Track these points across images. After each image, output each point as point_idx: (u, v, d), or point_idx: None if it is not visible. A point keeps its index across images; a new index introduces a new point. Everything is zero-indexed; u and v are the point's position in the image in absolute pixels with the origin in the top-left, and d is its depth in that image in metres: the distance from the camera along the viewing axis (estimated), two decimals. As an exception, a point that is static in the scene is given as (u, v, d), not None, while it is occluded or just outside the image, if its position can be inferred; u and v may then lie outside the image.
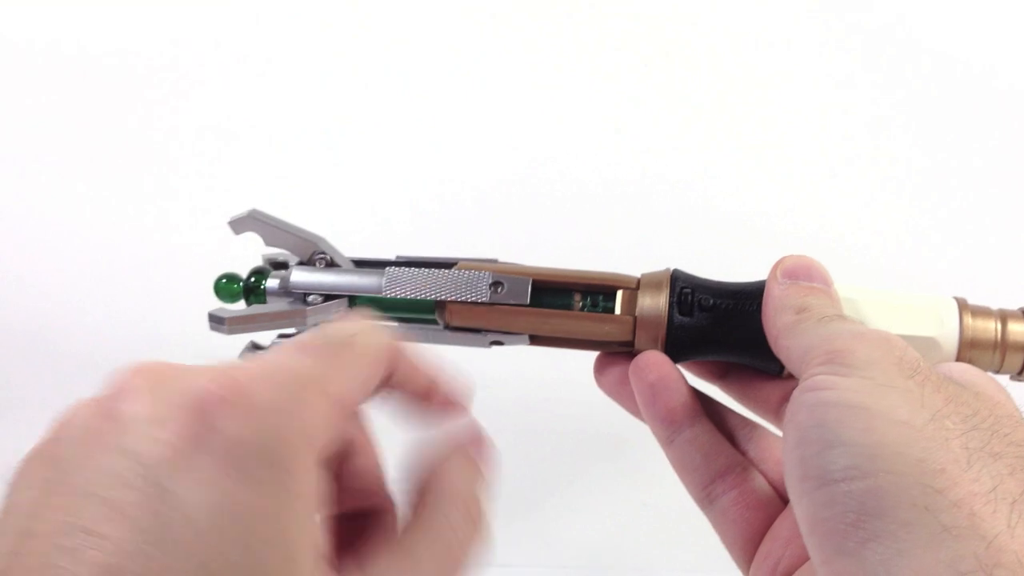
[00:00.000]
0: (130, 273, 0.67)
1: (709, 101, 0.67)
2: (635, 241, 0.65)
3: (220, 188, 0.68)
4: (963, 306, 0.33)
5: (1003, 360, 0.32)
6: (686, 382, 0.34)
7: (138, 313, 0.66)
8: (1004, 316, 0.32)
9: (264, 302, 0.36)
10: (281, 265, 0.37)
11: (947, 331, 0.32)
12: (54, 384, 0.69)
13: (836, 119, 0.66)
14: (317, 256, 0.36)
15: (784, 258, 0.33)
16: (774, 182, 0.66)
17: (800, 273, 0.32)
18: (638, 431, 0.36)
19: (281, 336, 0.37)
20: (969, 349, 0.32)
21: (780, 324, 0.31)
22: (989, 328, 0.32)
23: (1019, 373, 0.32)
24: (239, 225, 0.35)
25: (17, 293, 0.70)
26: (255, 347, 0.37)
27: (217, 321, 0.34)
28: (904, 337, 0.29)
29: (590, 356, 0.36)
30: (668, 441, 0.35)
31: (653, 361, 0.34)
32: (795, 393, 0.27)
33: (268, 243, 0.36)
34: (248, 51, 0.69)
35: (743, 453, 0.35)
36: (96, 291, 0.68)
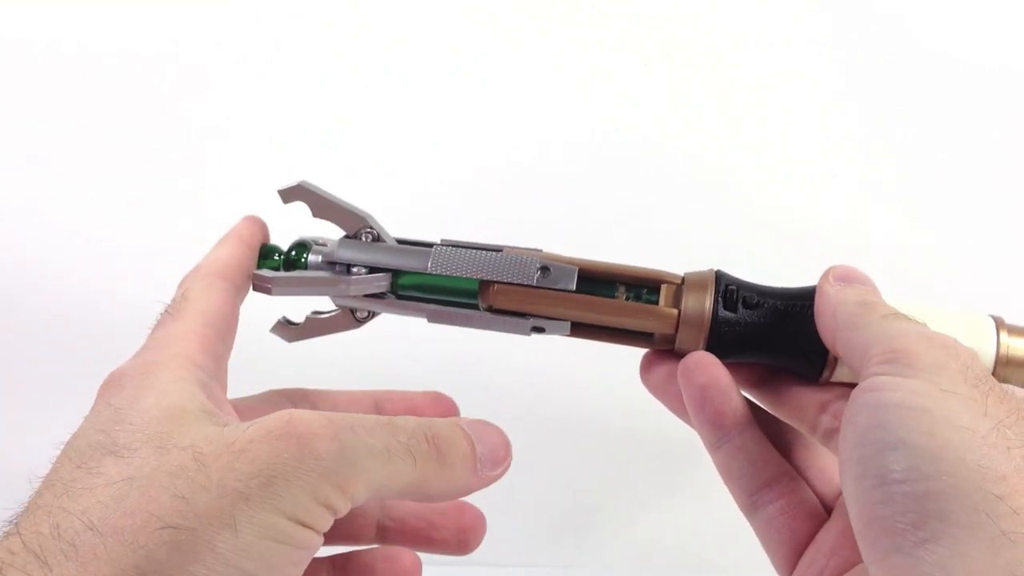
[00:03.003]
0: (130, 272, 0.67)
1: (709, 101, 0.67)
2: (635, 241, 0.65)
3: (220, 188, 0.68)
4: (1000, 324, 0.33)
5: None
6: (737, 387, 0.34)
7: (138, 313, 0.66)
8: None
9: None
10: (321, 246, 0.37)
11: (984, 348, 0.32)
12: (53, 377, 0.70)
13: (836, 119, 0.66)
14: (364, 231, 0.36)
15: (835, 266, 0.33)
16: (774, 182, 0.66)
17: (853, 278, 0.32)
18: (684, 431, 0.36)
19: (315, 313, 0.37)
20: (1004, 367, 0.32)
21: (842, 317, 0.31)
22: None
23: None
24: (288, 195, 0.36)
25: (17, 292, 0.70)
26: (288, 323, 0.37)
27: (262, 280, 0.34)
28: None
29: (637, 355, 0.36)
30: (716, 447, 0.34)
31: (704, 362, 0.33)
32: (855, 392, 0.27)
33: (316, 214, 0.36)
34: (248, 51, 0.69)
35: (790, 462, 0.35)
36: (96, 291, 0.68)
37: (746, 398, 0.35)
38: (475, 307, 0.35)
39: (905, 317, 0.30)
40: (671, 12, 0.67)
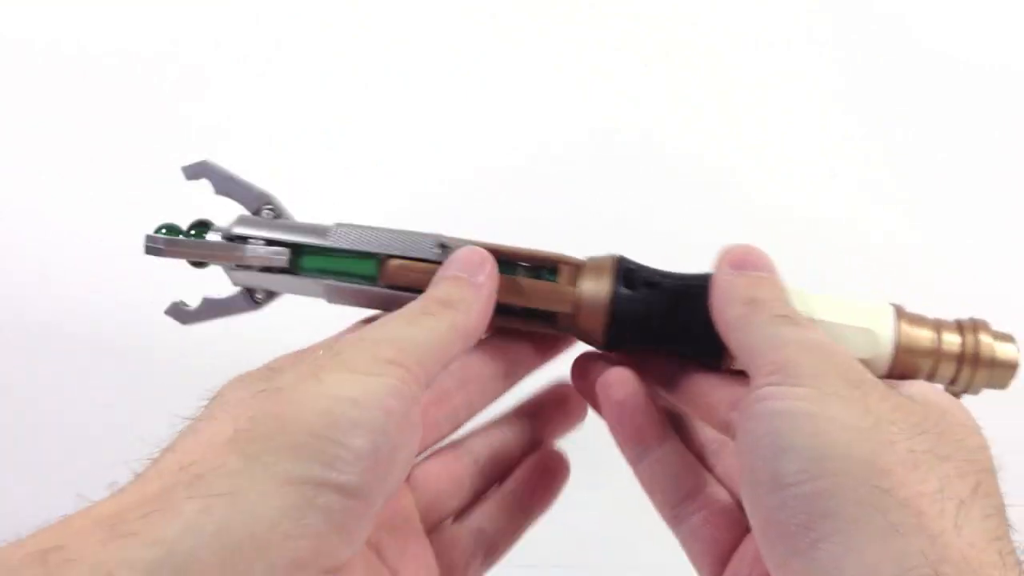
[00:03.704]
0: (130, 272, 0.67)
1: (709, 101, 0.67)
2: (635, 241, 0.65)
3: (220, 188, 0.68)
4: (900, 312, 0.33)
5: (936, 368, 0.32)
6: (654, 402, 0.34)
7: (138, 312, 0.66)
8: (939, 325, 0.33)
9: None
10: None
11: (883, 338, 0.32)
12: (53, 377, 0.70)
13: (836, 119, 0.66)
14: (265, 208, 0.36)
15: (729, 247, 0.32)
16: (774, 182, 0.66)
17: (747, 262, 0.32)
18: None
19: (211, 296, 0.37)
20: (904, 354, 0.32)
21: (730, 317, 0.30)
22: (924, 336, 0.32)
23: (951, 383, 0.32)
24: (191, 171, 0.37)
25: (17, 291, 0.70)
26: (183, 305, 0.37)
27: (154, 243, 0.35)
28: (843, 339, 0.30)
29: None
30: (636, 461, 0.34)
31: (620, 378, 0.33)
32: (745, 404, 0.28)
33: (218, 192, 0.36)
34: (248, 51, 0.69)
35: (710, 469, 0.35)
36: (95, 290, 0.68)
37: (665, 409, 0.35)
38: (373, 284, 0.35)
39: (790, 320, 0.29)
40: (671, 12, 0.67)
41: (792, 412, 0.26)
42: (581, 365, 0.36)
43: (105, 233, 0.69)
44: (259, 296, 0.37)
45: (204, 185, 0.37)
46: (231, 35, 0.69)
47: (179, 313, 0.37)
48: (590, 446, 0.71)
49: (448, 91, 0.68)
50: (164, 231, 0.37)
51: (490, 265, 0.32)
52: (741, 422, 0.27)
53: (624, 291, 0.33)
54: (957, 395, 0.33)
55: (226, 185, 0.36)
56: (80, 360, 0.69)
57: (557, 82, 0.67)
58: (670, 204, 0.66)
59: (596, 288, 0.33)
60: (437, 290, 0.31)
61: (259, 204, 0.36)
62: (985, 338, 0.32)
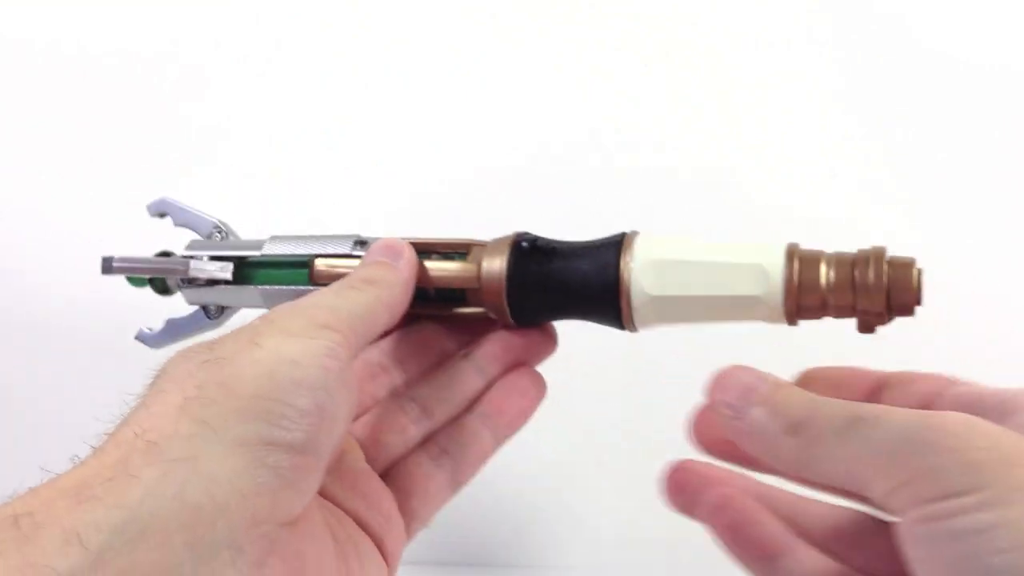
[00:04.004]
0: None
1: (709, 101, 0.67)
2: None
3: (220, 188, 0.68)
4: (792, 248, 0.32)
5: (832, 297, 0.31)
6: (766, 510, 0.32)
7: (138, 313, 0.66)
8: (835, 256, 0.32)
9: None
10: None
11: (773, 272, 0.32)
12: (53, 377, 0.70)
13: (836, 119, 0.66)
14: (215, 232, 0.41)
15: (714, 380, 0.30)
16: (774, 182, 0.66)
17: (727, 384, 0.29)
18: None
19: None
20: (798, 287, 0.31)
21: (786, 457, 0.27)
22: (816, 267, 0.31)
23: (856, 311, 0.31)
24: (153, 208, 0.42)
25: (17, 291, 0.70)
26: (149, 331, 0.41)
27: (106, 261, 0.40)
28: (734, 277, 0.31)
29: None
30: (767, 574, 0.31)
31: (726, 496, 0.32)
32: (904, 534, 0.25)
33: (177, 224, 0.41)
34: (248, 51, 0.69)
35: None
36: (95, 290, 0.68)
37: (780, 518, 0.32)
38: (305, 284, 0.38)
39: (858, 418, 0.26)
40: (671, 12, 0.67)
41: (976, 530, 0.23)
42: (677, 479, 0.34)
43: (105, 233, 0.69)
44: (213, 312, 0.40)
45: (167, 220, 0.42)
46: (231, 35, 0.69)
47: (147, 338, 0.41)
48: (591, 447, 0.71)
49: (448, 91, 0.68)
50: None
51: (408, 251, 0.34)
52: (910, 554, 0.24)
53: (520, 261, 0.35)
54: (871, 326, 0.31)
55: (183, 217, 0.41)
56: (80, 360, 0.69)
57: (557, 82, 0.67)
58: (670, 204, 0.66)
59: (496, 262, 0.35)
60: (361, 271, 0.33)
61: (211, 230, 0.41)
62: (881, 260, 0.31)
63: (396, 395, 0.36)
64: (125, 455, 0.24)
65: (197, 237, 0.41)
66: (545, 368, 0.38)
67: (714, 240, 0.33)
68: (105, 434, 0.26)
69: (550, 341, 0.37)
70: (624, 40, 0.67)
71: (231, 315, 0.41)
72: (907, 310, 0.31)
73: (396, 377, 0.36)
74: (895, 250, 0.32)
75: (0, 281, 0.70)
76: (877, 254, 0.31)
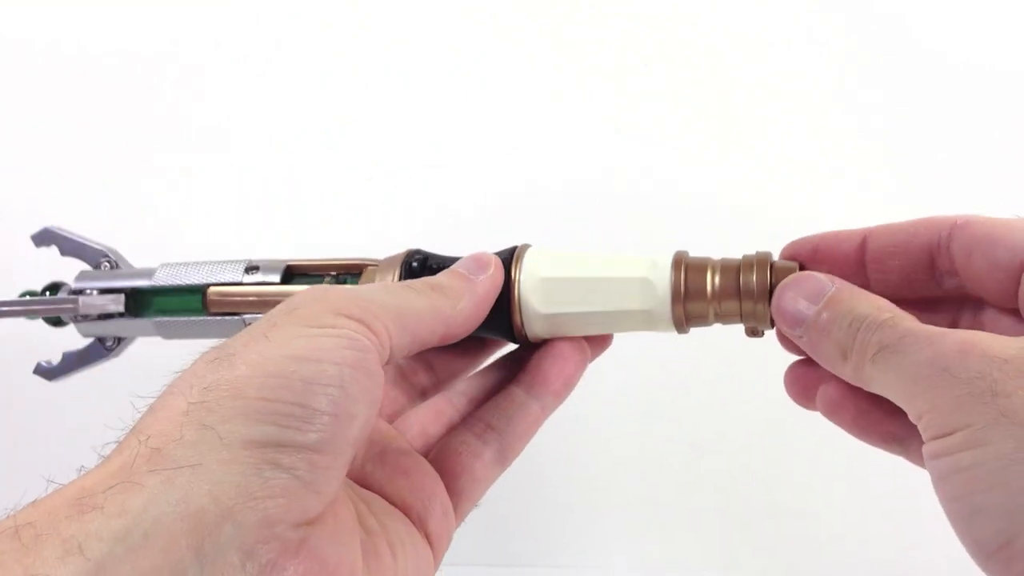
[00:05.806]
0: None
1: (710, 101, 0.67)
2: (634, 241, 0.65)
3: (220, 188, 0.68)
4: (680, 258, 0.32)
5: (720, 308, 0.32)
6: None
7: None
8: (720, 264, 0.32)
9: None
10: None
11: (660, 286, 0.32)
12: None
13: (836, 119, 0.66)
14: (103, 261, 0.40)
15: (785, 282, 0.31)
16: (775, 182, 0.66)
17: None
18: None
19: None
20: (684, 299, 0.32)
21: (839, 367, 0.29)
22: (702, 276, 0.32)
23: (744, 319, 0.32)
24: (38, 239, 0.41)
25: (17, 290, 0.69)
26: (47, 364, 0.41)
27: None
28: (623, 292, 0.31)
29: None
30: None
31: (833, 397, 0.31)
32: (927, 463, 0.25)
33: (63, 253, 0.40)
34: (248, 51, 0.69)
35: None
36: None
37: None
38: (200, 313, 0.37)
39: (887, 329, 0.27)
40: (671, 12, 0.67)
41: (959, 469, 0.24)
42: (792, 380, 0.34)
43: (105, 233, 0.69)
44: (109, 343, 0.39)
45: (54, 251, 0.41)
46: (231, 35, 0.69)
47: (44, 371, 0.40)
48: (590, 446, 0.71)
49: (448, 91, 0.68)
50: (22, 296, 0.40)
51: (495, 268, 0.32)
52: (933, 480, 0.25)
53: (408, 276, 0.34)
54: (758, 332, 0.32)
55: (69, 246, 0.40)
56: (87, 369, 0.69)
57: (557, 82, 0.67)
58: (669, 204, 0.66)
59: (388, 271, 0.35)
60: (433, 278, 0.31)
61: (99, 259, 0.40)
62: (765, 266, 0.31)
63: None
64: (129, 462, 0.23)
65: (86, 267, 0.39)
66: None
67: (607, 252, 0.33)
68: (116, 442, 0.26)
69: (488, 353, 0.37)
70: (624, 40, 0.67)
71: (128, 345, 0.39)
72: None
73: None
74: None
75: (0, 281, 0.70)
76: (761, 260, 0.32)
